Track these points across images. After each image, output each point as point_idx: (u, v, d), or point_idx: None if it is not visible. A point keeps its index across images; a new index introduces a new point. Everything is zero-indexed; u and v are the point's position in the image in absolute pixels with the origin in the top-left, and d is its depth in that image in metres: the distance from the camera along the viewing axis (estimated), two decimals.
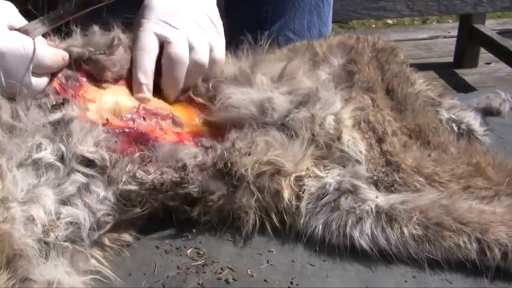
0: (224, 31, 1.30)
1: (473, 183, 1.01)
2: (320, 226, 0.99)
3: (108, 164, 0.93)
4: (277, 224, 1.02)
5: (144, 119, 1.03)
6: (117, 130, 0.98)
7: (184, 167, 0.97)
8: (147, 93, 1.05)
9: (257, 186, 0.99)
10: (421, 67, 3.38)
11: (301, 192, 1.01)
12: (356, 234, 0.97)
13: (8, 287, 0.73)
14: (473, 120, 1.30)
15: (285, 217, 1.02)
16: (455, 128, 1.27)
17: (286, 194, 1.00)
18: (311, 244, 0.99)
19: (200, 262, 0.95)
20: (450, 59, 3.55)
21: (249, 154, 0.99)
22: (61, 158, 0.91)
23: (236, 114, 1.04)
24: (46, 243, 0.86)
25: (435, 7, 2.87)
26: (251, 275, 0.93)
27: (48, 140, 0.91)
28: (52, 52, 0.98)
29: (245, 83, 1.07)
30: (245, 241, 1.01)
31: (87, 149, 0.92)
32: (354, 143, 1.04)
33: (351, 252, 0.97)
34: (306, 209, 1.01)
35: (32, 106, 0.94)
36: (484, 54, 3.47)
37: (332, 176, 1.02)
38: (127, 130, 0.99)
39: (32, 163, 0.89)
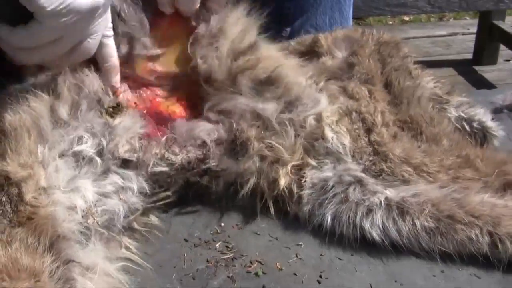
0: None
1: (462, 174, 1.02)
2: (329, 217, 1.00)
3: (139, 152, 0.97)
4: (272, 210, 1.04)
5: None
6: (142, 112, 1.03)
7: (204, 144, 1.02)
8: None
9: (259, 160, 1.03)
10: (439, 64, 3.39)
11: (302, 181, 1.04)
12: (367, 225, 0.97)
13: (52, 269, 0.75)
14: (484, 117, 1.26)
15: (287, 205, 1.04)
16: (467, 127, 1.25)
17: (283, 182, 1.02)
18: (339, 239, 0.99)
19: (229, 256, 0.96)
20: (469, 56, 3.52)
21: (258, 127, 1.04)
22: (100, 153, 0.94)
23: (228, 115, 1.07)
24: (87, 228, 0.88)
25: (456, 3, 2.85)
26: (280, 268, 0.94)
27: (89, 134, 0.94)
28: None
29: (232, 91, 1.08)
30: (273, 235, 1.02)
31: (123, 149, 0.96)
32: (338, 137, 1.05)
33: (379, 247, 0.97)
34: (308, 197, 1.03)
35: (94, 109, 0.97)
36: (504, 51, 3.44)
37: (328, 168, 1.04)
38: (146, 111, 1.04)
39: (72, 155, 0.92)
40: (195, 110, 1.08)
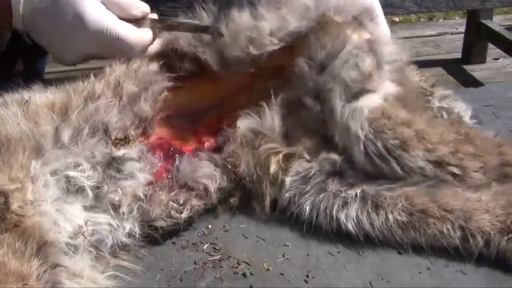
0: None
1: (462, 148, 1.02)
2: (308, 207, 1.02)
3: (143, 202, 0.98)
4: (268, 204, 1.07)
5: None
6: (154, 144, 1.04)
7: (206, 191, 1.03)
8: None
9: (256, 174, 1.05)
10: (429, 63, 3.40)
11: (288, 168, 1.06)
12: (342, 217, 0.99)
13: (40, 273, 0.75)
14: (464, 112, 1.31)
15: (268, 189, 1.06)
16: (445, 117, 1.28)
17: (272, 168, 1.05)
18: (326, 238, 1.01)
19: (216, 257, 0.96)
20: (458, 55, 3.53)
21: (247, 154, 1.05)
22: (96, 192, 0.94)
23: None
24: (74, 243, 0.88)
25: (443, 3, 2.86)
26: (267, 269, 0.94)
27: (90, 164, 0.93)
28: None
29: None
30: (261, 236, 1.02)
31: (126, 203, 0.95)
32: None
33: (366, 244, 0.98)
34: (291, 184, 1.05)
35: (96, 137, 0.96)
36: (492, 50, 3.45)
37: (315, 160, 1.06)
38: (161, 142, 1.05)
39: (64, 176, 0.91)
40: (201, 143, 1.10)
